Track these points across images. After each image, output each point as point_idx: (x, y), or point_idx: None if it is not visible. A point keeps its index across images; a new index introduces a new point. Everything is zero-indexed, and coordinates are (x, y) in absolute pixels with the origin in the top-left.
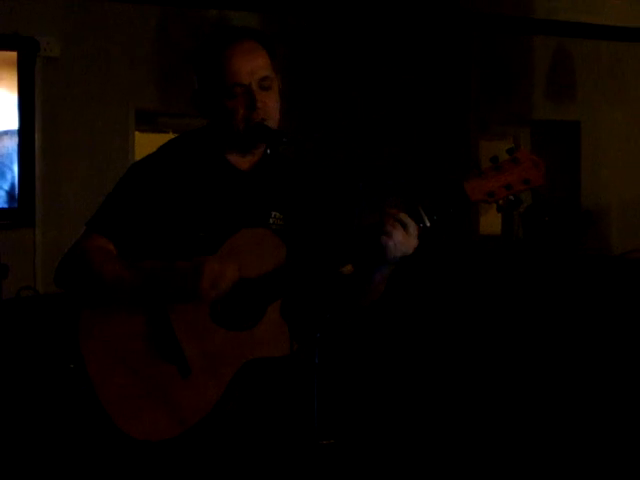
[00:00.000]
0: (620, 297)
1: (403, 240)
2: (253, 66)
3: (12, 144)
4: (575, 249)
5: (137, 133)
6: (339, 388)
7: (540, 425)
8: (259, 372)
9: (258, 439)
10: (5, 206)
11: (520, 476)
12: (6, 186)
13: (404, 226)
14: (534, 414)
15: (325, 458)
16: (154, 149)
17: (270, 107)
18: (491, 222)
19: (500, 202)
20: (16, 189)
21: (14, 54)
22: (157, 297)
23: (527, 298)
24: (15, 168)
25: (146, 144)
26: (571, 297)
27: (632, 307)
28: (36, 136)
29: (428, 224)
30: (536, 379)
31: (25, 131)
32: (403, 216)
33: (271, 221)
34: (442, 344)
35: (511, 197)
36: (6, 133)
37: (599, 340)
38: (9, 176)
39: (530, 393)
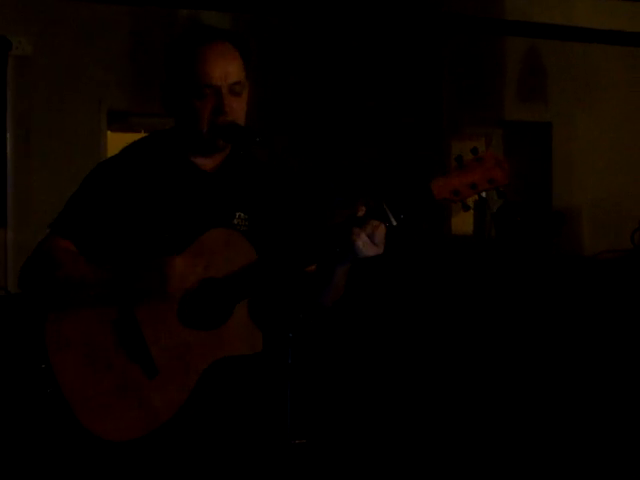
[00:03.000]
0: (592, 297)
1: (371, 239)
2: (226, 70)
3: None
4: (547, 249)
5: (109, 133)
6: (312, 388)
7: (505, 430)
8: (229, 371)
9: (229, 438)
10: None
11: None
12: None
13: (371, 226)
14: (506, 416)
15: (297, 457)
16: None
17: (238, 112)
18: (463, 222)
19: (466, 201)
20: None
21: None
22: (123, 295)
23: (499, 298)
24: None
25: (118, 144)
26: (543, 297)
27: (603, 307)
28: (7, 135)
29: (394, 223)
30: (508, 379)
31: None
32: (369, 216)
33: (235, 222)
34: (414, 343)
35: (481, 194)
36: None
37: (570, 340)
38: None
39: (501, 395)
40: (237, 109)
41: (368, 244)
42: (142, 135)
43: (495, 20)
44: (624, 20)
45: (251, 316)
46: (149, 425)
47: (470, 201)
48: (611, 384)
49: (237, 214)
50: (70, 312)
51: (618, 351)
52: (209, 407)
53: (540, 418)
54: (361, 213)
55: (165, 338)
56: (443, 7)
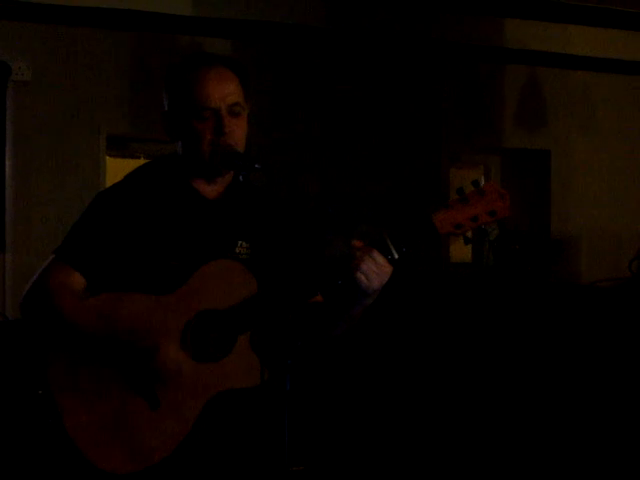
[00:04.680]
0: (590, 326)
1: (373, 272)
2: (224, 91)
3: None
4: (545, 277)
5: (108, 158)
6: (310, 414)
7: (506, 456)
8: (231, 402)
9: (228, 465)
10: None
11: None
12: None
13: (372, 258)
14: (505, 441)
15: None
16: (125, 174)
17: (238, 133)
18: (462, 250)
19: (467, 234)
20: None
21: None
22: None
23: (497, 326)
24: None
25: (117, 169)
26: (541, 325)
27: (601, 336)
28: (6, 160)
29: (396, 256)
30: (509, 406)
31: None
32: (370, 249)
33: (237, 250)
34: (412, 370)
35: (482, 226)
36: None
37: (569, 368)
38: None
39: (501, 421)
40: (237, 130)
41: (370, 276)
42: (141, 161)
43: (494, 48)
44: (622, 48)
45: (253, 346)
46: (149, 458)
47: (470, 233)
48: (610, 411)
49: (239, 242)
50: (72, 344)
51: (616, 379)
52: (211, 436)
53: (538, 440)
54: (361, 246)
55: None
56: (441, 36)
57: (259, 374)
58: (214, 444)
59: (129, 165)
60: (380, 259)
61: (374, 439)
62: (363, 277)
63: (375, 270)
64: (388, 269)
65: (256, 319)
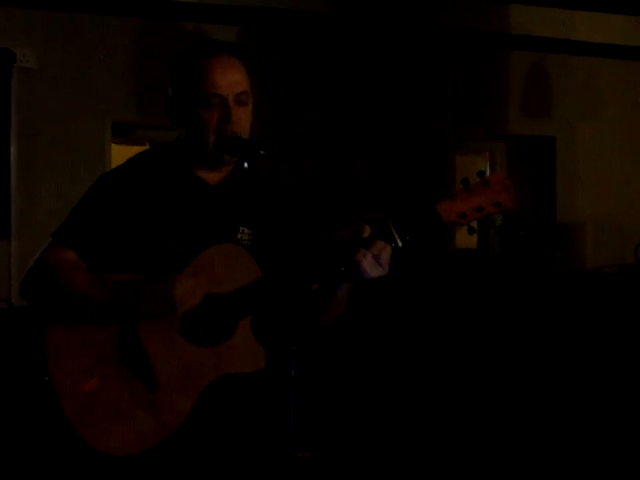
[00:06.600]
0: (595, 312)
1: (376, 260)
2: (232, 79)
3: None
4: (550, 263)
5: (114, 145)
6: (315, 401)
7: (512, 446)
8: (232, 386)
9: (233, 452)
10: None
11: None
12: None
13: (377, 246)
14: (508, 428)
15: (301, 471)
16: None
17: (244, 122)
18: (467, 236)
19: (471, 224)
20: None
21: None
22: (126, 313)
23: (503, 312)
24: None
25: (122, 156)
26: (546, 311)
27: (606, 321)
28: (11, 147)
29: (400, 244)
30: (513, 392)
31: (0, 142)
32: (375, 237)
33: (239, 236)
34: (417, 356)
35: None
36: None
37: (573, 353)
38: None
39: (506, 407)
40: (243, 119)
41: (374, 265)
42: (147, 148)
43: (499, 34)
44: (627, 34)
45: (254, 331)
46: (149, 440)
47: (474, 222)
48: (613, 397)
49: (241, 229)
50: (71, 325)
51: (620, 364)
52: (212, 421)
53: (540, 427)
54: (367, 233)
55: (167, 353)
56: (446, 22)
57: (259, 359)
58: (216, 429)
59: (134, 152)
60: (385, 249)
61: (380, 425)
62: (367, 266)
63: (379, 260)
64: (387, 265)
65: (257, 304)
